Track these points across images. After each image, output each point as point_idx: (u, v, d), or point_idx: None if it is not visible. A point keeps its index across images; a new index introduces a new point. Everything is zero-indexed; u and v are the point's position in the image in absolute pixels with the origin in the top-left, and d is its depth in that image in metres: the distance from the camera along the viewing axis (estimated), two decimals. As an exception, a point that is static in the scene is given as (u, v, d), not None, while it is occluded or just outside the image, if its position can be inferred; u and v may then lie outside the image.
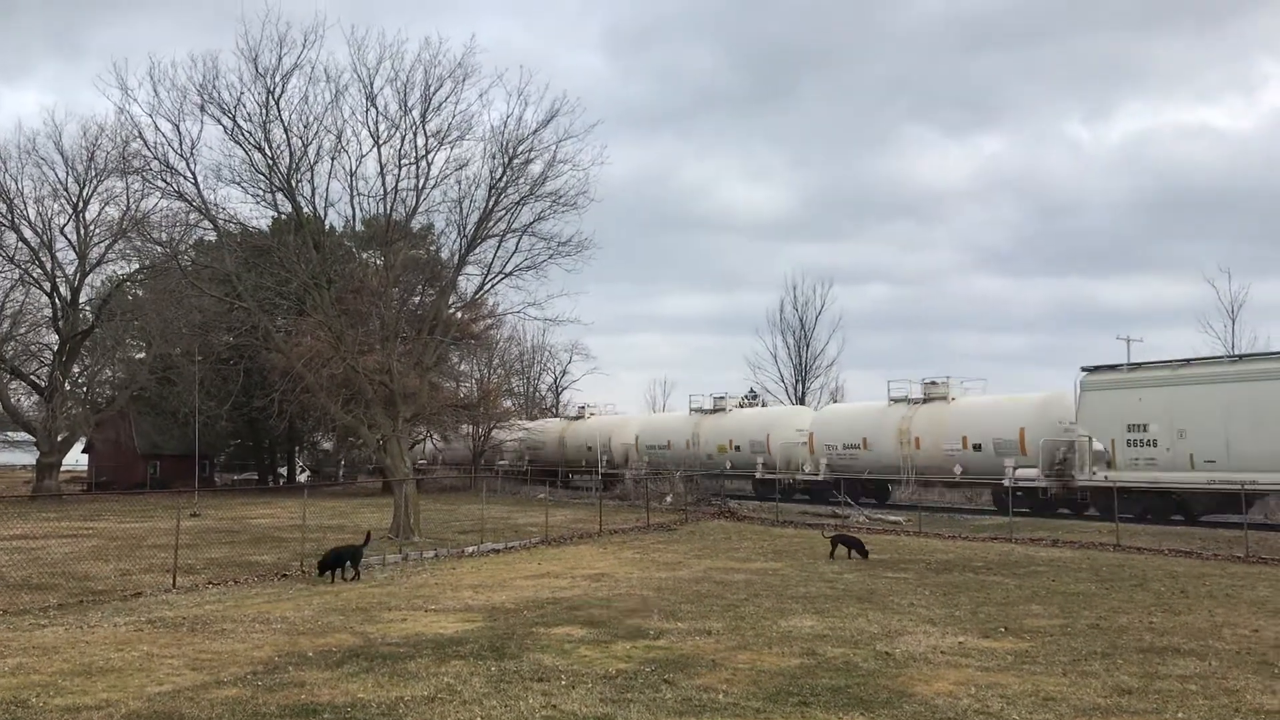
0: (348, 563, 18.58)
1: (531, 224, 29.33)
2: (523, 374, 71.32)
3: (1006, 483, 31.02)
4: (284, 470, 63.96)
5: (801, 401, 62.44)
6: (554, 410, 70.77)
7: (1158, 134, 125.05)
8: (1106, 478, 28.55)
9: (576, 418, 57.49)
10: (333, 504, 41.48)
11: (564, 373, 78.17)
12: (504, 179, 28.68)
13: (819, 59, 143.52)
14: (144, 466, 55.98)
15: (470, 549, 24.21)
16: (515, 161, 28.60)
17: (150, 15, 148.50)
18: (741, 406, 48.14)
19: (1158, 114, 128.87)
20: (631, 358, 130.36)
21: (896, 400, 38.02)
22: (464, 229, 29.35)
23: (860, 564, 20.85)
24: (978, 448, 33.85)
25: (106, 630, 13.25)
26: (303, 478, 64.88)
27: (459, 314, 36.79)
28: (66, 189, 48.09)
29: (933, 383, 36.97)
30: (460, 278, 31.77)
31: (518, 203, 29.12)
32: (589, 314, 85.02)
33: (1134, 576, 18.76)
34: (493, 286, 31.08)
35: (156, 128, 27.55)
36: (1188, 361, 29.06)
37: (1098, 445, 29.26)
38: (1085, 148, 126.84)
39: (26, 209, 48.18)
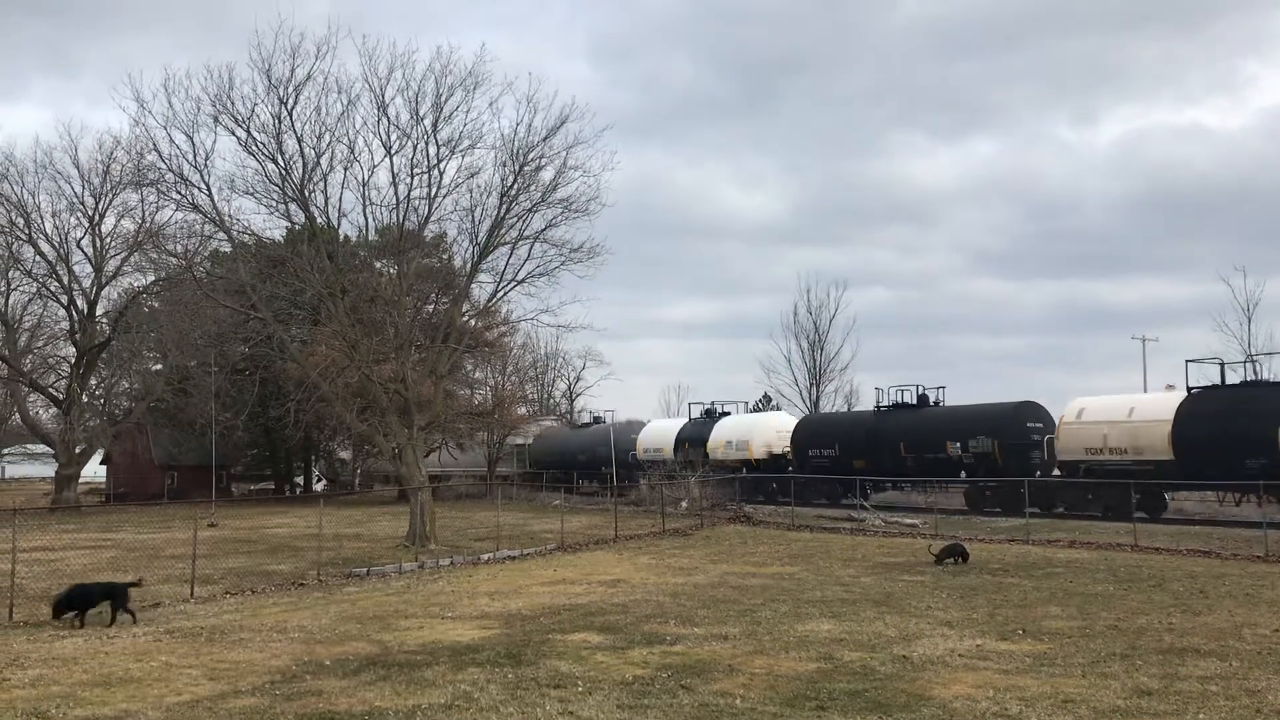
0: (107, 605, 14.99)
1: (543, 231, 29.33)
2: (537, 380, 71.34)
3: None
4: (300, 479, 64.16)
5: (816, 405, 62.75)
6: (569, 418, 70.67)
7: (1149, 135, 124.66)
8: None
9: None
10: (349, 513, 41.63)
11: (578, 379, 78.25)
12: (515, 186, 28.72)
13: (802, 67, 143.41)
14: (161, 477, 56.16)
15: (486, 556, 24.24)
16: (526, 169, 28.65)
17: (145, 33, 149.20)
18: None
19: (1146, 116, 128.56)
20: (641, 364, 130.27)
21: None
22: (476, 237, 29.40)
23: (876, 568, 20.78)
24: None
25: (125, 641, 13.32)
26: (319, 487, 65.05)
27: (473, 321, 36.80)
28: (82, 203, 48.55)
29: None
30: (473, 285, 31.82)
31: (529, 210, 29.11)
32: (599, 320, 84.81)
33: (1152, 577, 18.65)
34: (506, 294, 31.07)
35: (171, 140, 27.63)
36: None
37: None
38: (1076, 150, 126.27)
39: (44, 223, 48.70)
